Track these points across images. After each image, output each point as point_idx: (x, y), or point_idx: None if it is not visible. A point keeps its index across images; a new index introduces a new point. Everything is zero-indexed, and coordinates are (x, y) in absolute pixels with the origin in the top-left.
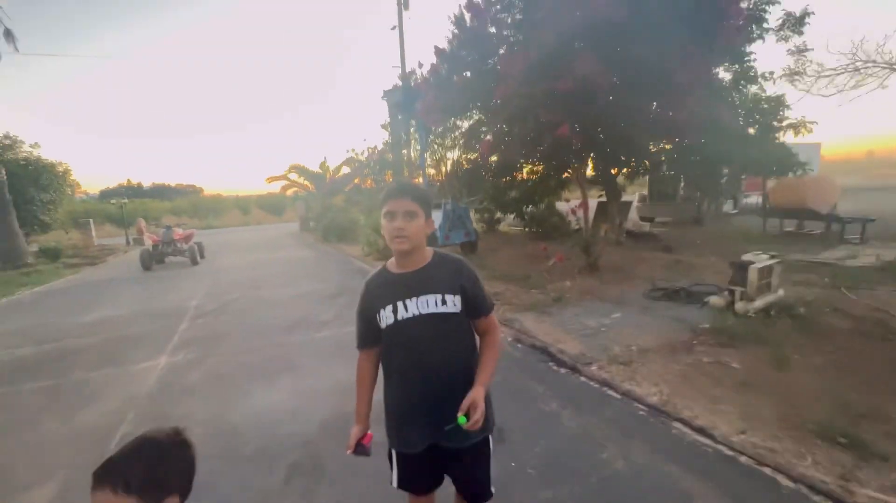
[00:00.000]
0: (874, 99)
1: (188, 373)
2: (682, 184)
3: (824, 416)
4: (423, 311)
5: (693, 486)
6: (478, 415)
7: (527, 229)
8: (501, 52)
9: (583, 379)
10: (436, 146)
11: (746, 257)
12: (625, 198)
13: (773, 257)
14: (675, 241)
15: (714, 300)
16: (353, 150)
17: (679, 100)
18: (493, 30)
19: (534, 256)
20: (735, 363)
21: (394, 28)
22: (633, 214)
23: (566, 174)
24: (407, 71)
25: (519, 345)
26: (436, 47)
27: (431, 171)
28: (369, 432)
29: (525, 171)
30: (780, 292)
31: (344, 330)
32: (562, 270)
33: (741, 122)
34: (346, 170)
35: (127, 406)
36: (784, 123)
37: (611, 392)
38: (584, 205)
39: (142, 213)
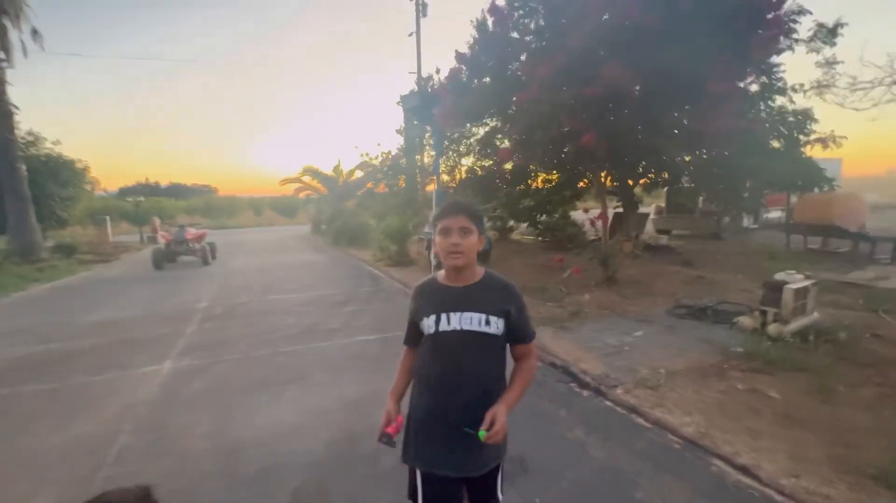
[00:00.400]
0: None
1: (192, 380)
2: (702, 197)
3: (882, 459)
4: (465, 327)
5: None
6: (497, 427)
7: (540, 238)
8: (523, 58)
9: (608, 403)
10: (450, 152)
11: (779, 276)
12: (641, 210)
13: (807, 277)
14: (695, 256)
15: (744, 321)
16: (366, 155)
17: (711, 111)
18: (515, 35)
19: (548, 267)
20: (773, 392)
21: (411, 34)
22: (650, 227)
23: (582, 183)
24: (424, 76)
25: (538, 363)
26: (457, 51)
27: (445, 178)
28: (399, 416)
29: (540, 179)
30: (815, 315)
31: (352, 339)
32: (578, 282)
33: (767, 136)
34: (359, 174)
35: (126, 414)
36: (812, 137)
37: (640, 420)
38: (604, 215)
39: (157, 212)
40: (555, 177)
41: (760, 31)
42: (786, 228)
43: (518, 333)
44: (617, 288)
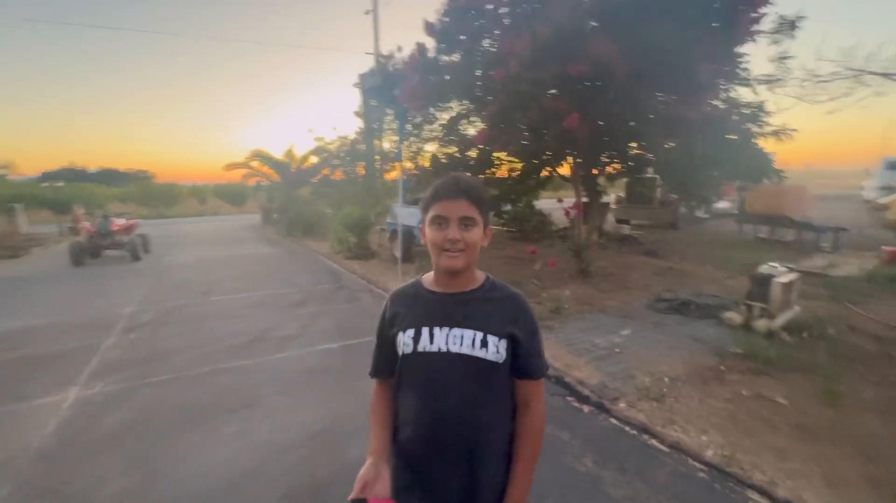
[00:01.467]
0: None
1: (103, 414)
2: (659, 186)
3: None
4: (453, 349)
5: None
6: None
7: (506, 228)
8: (497, 32)
9: (614, 421)
10: (412, 138)
11: (764, 270)
12: (603, 200)
13: (791, 270)
14: (656, 246)
15: (731, 316)
16: (321, 139)
17: (695, 95)
18: (489, 7)
19: (518, 259)
20: (780, 398)
21: (368, 13)
22: (609, 217)
23: (545, 172)
24: (385, 54)
25: (543, 418)
26: (426, 21)
27: (409, 165)
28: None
29: (504, 168)
30: (797, 308)
31: (312, 349)
32: (551, 275)
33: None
34: (313, 159)
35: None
36: (766, 129)
37: (654, 442)
38: (579, 205)
39: (83, 199)
40: (519, 165)
41: (750, 12)
42: (739, 218)
43: (524, 364)
44: (592, 281)
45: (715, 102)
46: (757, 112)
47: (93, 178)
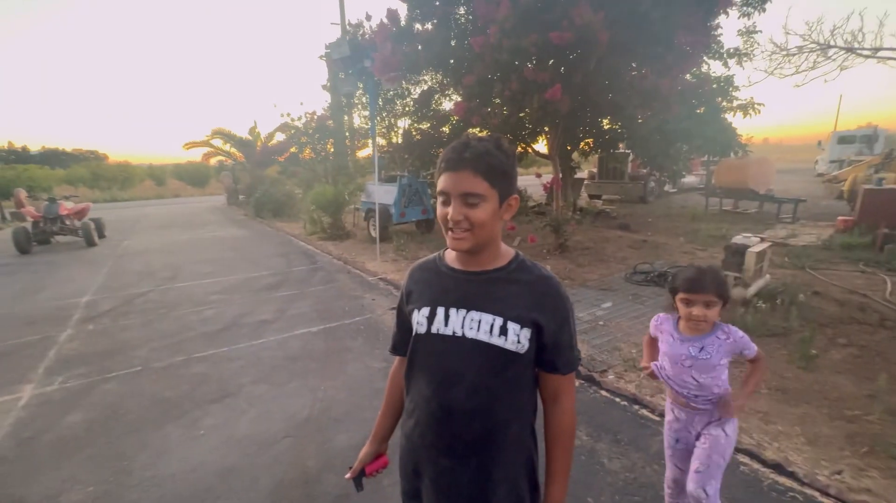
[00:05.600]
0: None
1: (66, 411)
2: (630, 161)
3: (888, 431)
4: (469, 334)
5: None
6: None
7: None
8: None
9: (604, 393)
10: (384, 113)
11: (738, 240)
12: (577, 175)
13: (763, 240)
14: (629, 220)
15: None
16: (288, 115)
17: (675, 67)
18: None
19: None
20: None
21: None
22: (583, 192)
23: (522, 148)
24: (353, 23)
25: (575, 414)
26: None
27: (382, 141)
28: (384, 457)
29: None
30: (768, 277)
31: (291, 333)
32: (530, 251)
33: (699, 100)
34: (280, 137)
35: None
36: (734, 104)
37: (645, 412)
38: (557, 180)
39: (26, 183)
40: None
41: None
42: (706, 191)
43: (551, 357)
44: (571, 255)
45: (688, 77)
46: (726, 86)
47: (35, 160)
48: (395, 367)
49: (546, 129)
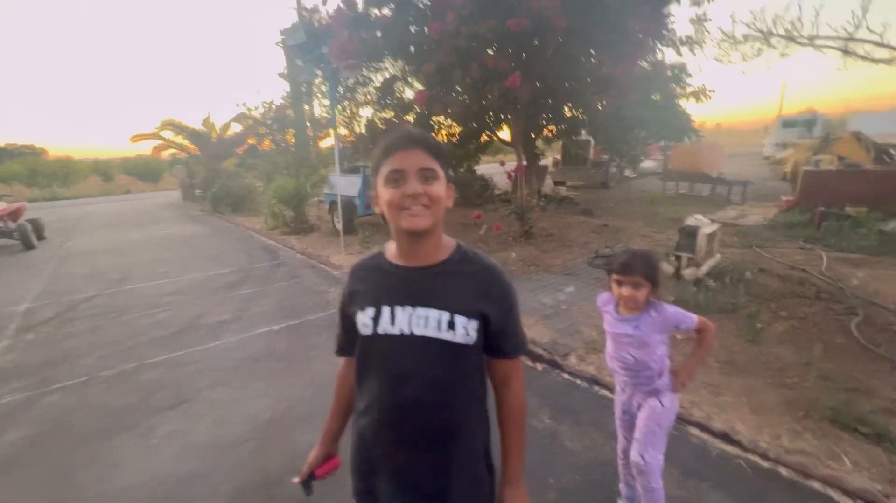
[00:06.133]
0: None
1: (5, 428)
2: (592, 148)
3: (822, 396)
4: (417, 332)
5: None
6: None
7: None
8: None
9: (566, 376)
10: (345, 102)
11: (690, 222)
12: (541, 163)
13: (713, 222)
14: (591, 205)
15: (663, 267)
16: (244, 105)
17: (631, 54)
18: None
19: (464, 224)
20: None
21: None
22: (547, 179)
23: (484, 137)
24: (308, 8)
25: (524, 394)
26: None
27: (344, 131)
28: (335, 458)
29: (444, 132)
30: (719, 256)
31: (252, 332)
32: (496, 239)
33: (654, 87)
34: (236, 127)
35: None
36: (687, 91)
37: (605, 392)
38: (521, 167)
39: None
40: (457, 130)
41: None
42: (664, 176)
43: (499, 343)
44: (535, 242)
45: (643, 63)
46: (679, 73)
47: None
48: (341, 368)
49: (508, 116)
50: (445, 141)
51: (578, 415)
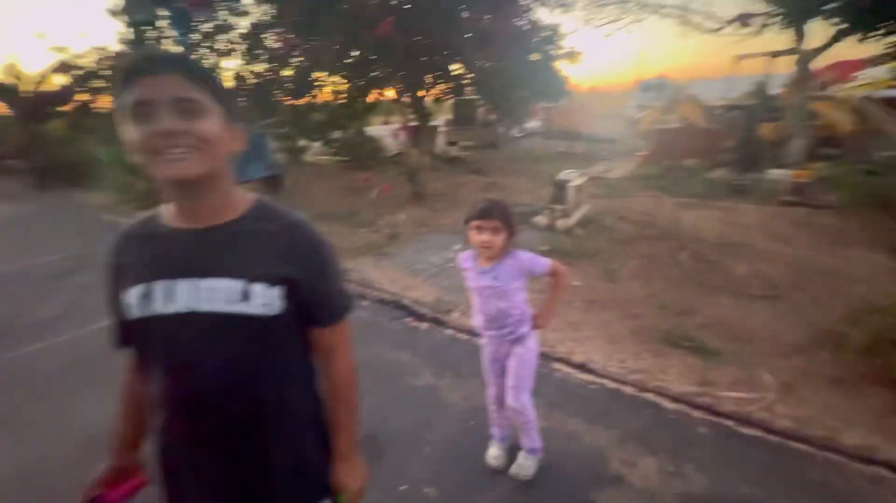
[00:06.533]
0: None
1: None
2: (480, 107)
3: (659, 321)
4: (204, 307)
5: (601, 439)
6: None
7: (338, 158)
8: None
9: (449, 331)
10: (202, 52)
11: (561, 176)
12: (433, 123)
13: (581, 175)
14: (482, 165)
15: (539, 219)
16: (66, 50)
17: (505, 8)
18: None
19: (354, 189)
20: (576, 281)
21: None
22: (440, 139)
23: (374, 95)
24: None
25: (365, 303)
26: None
27: None
28: (139, 475)
29: (328, 90)
30: (587, 206)
31: (86, 330)
32: (388, 202)
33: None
34: (58, 79)
35: None
36: (561, 52)
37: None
38: (406, 127)
39: None
40: (345, 87)
41: None
42: (545, 135)
43: (314, 310)
44: (426, 202)
45: (521, 23)
46: (553, 35)
47: None
48: (128, 361)
49: (390, 72)
50: (331, 100)
51: (459, 368)
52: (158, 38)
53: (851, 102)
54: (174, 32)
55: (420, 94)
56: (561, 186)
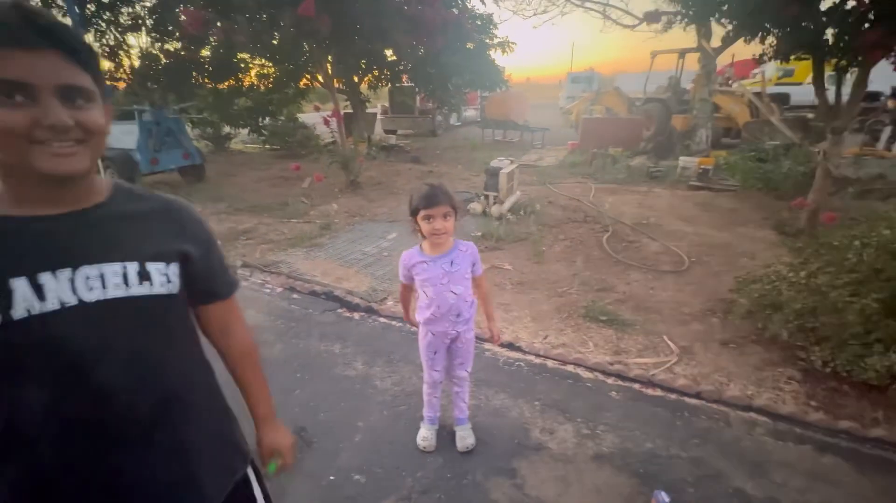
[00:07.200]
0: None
1: None
2: (418, 95)
3: (581, 298)
4: (91, 297)
5: (525, 411)
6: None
7: (267, 146)
8: None
9: (382, 320)
10: (102, 24)
11: (494, 164)
12: (369, 110)
13: (512, 162)
14: (420, 153)
15: (474, 206)
16: None
17: None
18: None
19: (285, 178)
20: (507, 265)
21: None
22: (378, 128)
23: (305, 81)
24: None
25: (295, 296)
26: None
27: (108, 65)
28: None
29: (253, 73)
30: (518, 193)
31: None
32: (321, 191)
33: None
34: None
35: None
36: (494, 41)
37: (416, 329)
38: (338, 113)
39: None
40: (272, 71)
41: None
42: (481, 124)
43: (208, 285)
44: (361, 191)
45: (453, 10)
46: (486, 24)
47: None
48: None
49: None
50: (258, 84)
51: (391, 355)
52: (49, 4)
53: (747, 97)
54: (63, 2)
55: (355, 78)
56: (493, 174)
